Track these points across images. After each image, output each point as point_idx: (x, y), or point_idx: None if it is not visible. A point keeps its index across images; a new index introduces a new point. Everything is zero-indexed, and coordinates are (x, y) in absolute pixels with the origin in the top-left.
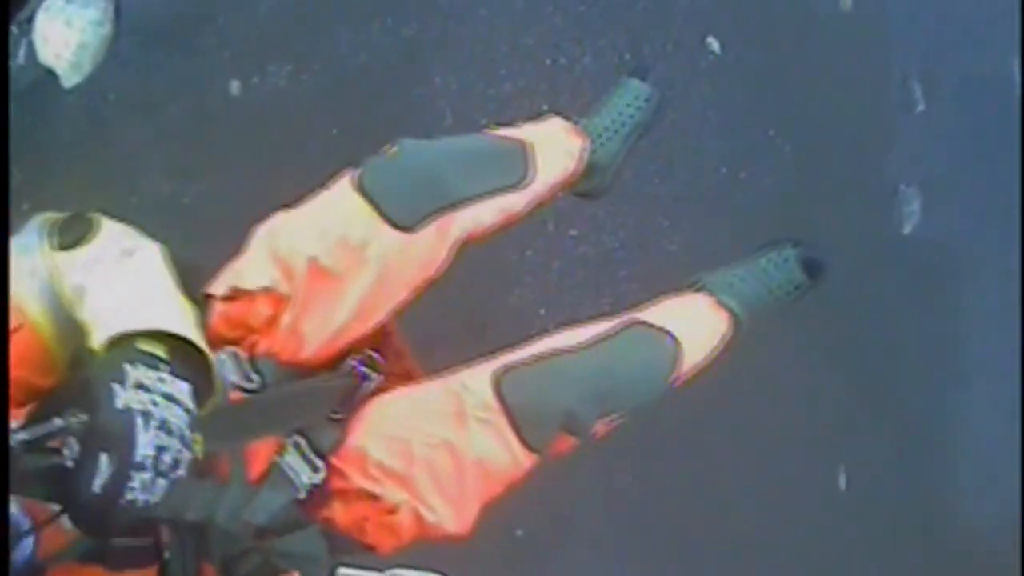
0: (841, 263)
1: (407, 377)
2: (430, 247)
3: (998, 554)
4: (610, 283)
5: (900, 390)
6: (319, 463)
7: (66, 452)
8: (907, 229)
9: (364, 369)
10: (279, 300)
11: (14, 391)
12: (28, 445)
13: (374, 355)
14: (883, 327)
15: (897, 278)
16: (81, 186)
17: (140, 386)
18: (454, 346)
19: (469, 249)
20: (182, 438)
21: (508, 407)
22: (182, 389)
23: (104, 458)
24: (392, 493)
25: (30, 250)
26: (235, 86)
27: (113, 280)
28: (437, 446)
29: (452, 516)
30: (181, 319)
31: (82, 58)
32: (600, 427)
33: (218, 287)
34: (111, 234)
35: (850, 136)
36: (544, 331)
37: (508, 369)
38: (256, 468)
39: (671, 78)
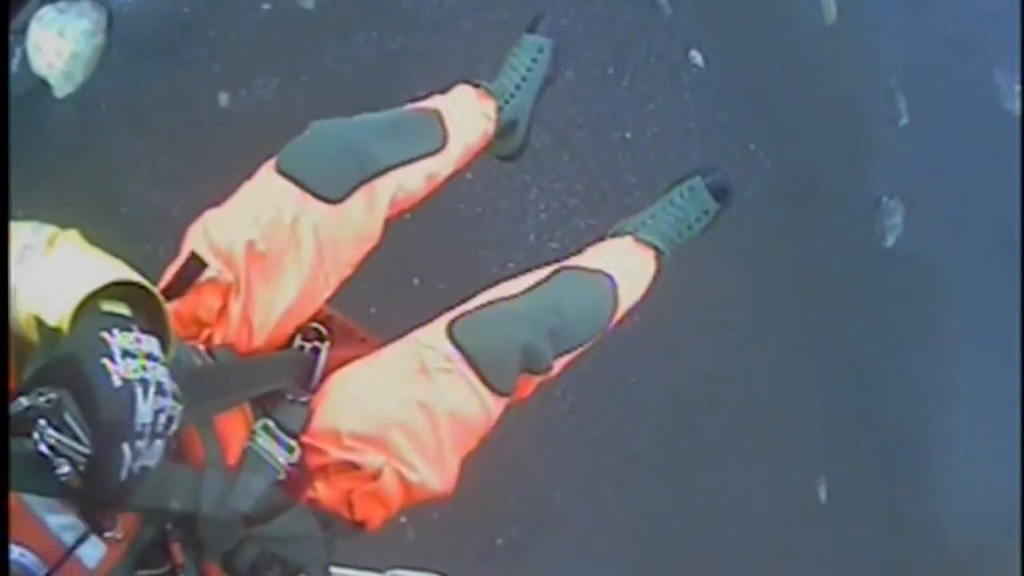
0: (823, 275)
1: (364, 346)
2: (361, 218)
3: (976, 570)
4: None
5: (881, 402)
6: (292, 443)
7: (36, 436)
8: (889, 241)
9: (314, 343)
10: (225, 290)
11: None
12: None
13: (319, 327)
14: (864, 339)
15: (879, 290)
16: (71, 194)
17: (126, 353)
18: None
19: (450, 258)
20: (173, 395)
21: (467, 354)
22: (155, 344)
23: (125, 446)
24: (371, 459)
25: None
26: (224, 98)
27: (45, 265)
28: (407, 406)
29: (434, 473)
30: (127, 271)
31: (74, 68)
32: (556, 365)
33: (164, 282)
34: (23, 231)
35: (833, 149)
36: None
37: (459, 318)
38: (231, 456)
39: (653, 90)
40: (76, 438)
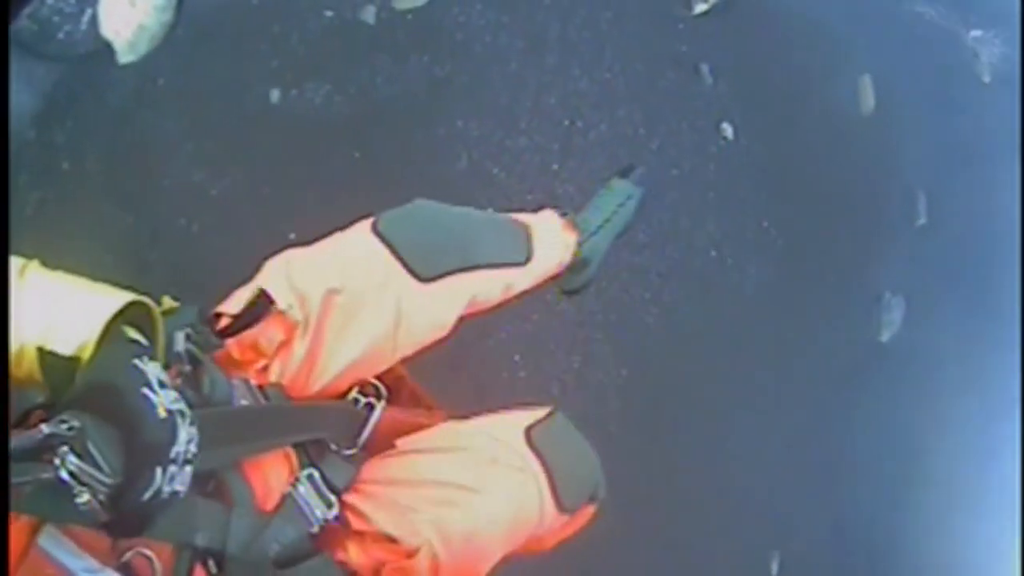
0: (810, 356)
1: (428, 416)
2: (443, 304)
3: None
4: (583, 343)
5: (851, 489)
6: (333, 499)
7: (57, 462)
8: (884, 337)
9: (369, 399)
10: (291, 326)
11: None
12: (14, 455)
13: (378, 384)
14: (842, 426)
15: (862, 382)
16: (116, 158)
17: (161, 383)
18: (435, 389)
19: None
20: (196, 423)
21: (546, 464)
22: (161, 369)
23: (159, 471)
24: (412, 537)
25: None
26: (275, 94)
27: (27, 295)
28: (466, 491)
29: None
30: (122, 292)
31: (140, 39)
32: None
33: (232, 307)
34: None
35: (845, 237)
36: (515, 377)
37: (536, 425)
38: (269, 500)
39: (680, 156)
40: (98, 467)
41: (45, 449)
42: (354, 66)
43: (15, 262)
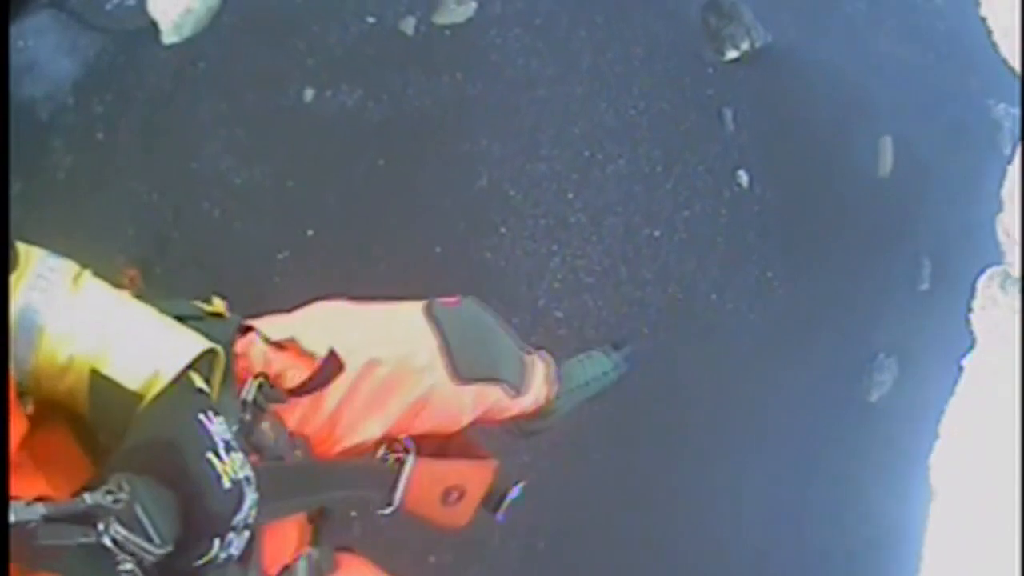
0: (800, 410)
1: (464, 452)
2: (467, 406)
3: None
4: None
5: (821, 541)
6: None
7: (100, 527)
8: (874, 397)
9: (399, 455)
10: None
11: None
12: (49, 519)
13: (404, 441)
14: (816, 475)
15: (847, 440)
16: (149, 134)
17: (228, 446)
18: None
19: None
20: (255, 483)
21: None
22: (226, 425)
23: (216, 542)
24: None
25: None
26: (309, 93)
27: (83, 306)
28: None
29: None
30: (191, 335)
31: (185, 22)
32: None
33: (271, 331)
34: (36, 255)
35: (847, 295)
36: None
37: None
38: (274, 567)
39: (693, 198)
40: (149, 538)
41: (88, 516)
42: (388, 74)
43: (68, 267)
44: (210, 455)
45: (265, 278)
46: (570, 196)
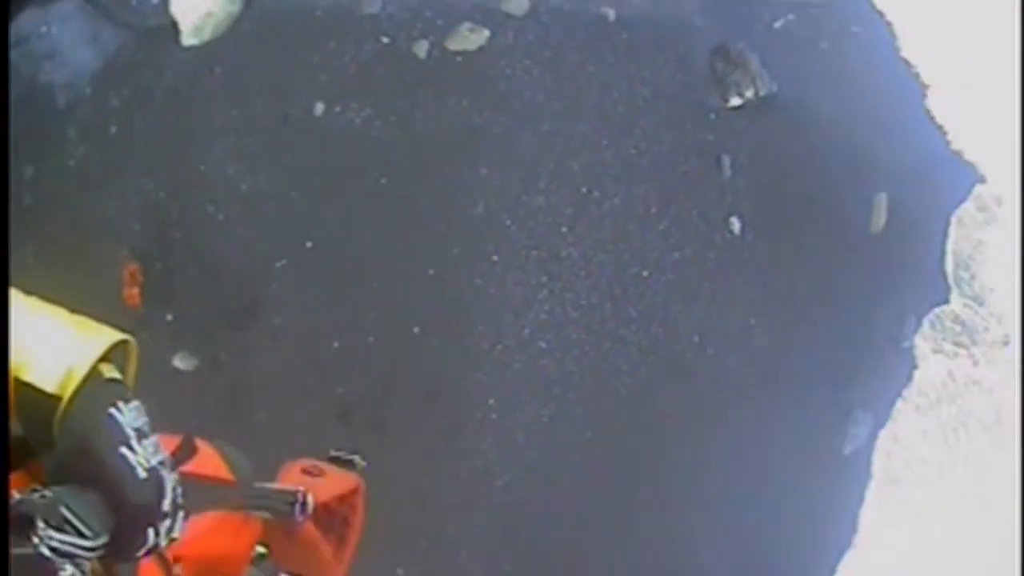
0: (770, 459)
1: None
2: None
3: None
4: (556, 399)
5: None
6: None
7: (36, 540)
8: (847, 450)
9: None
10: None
11: None
12: None
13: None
14: (784, 524)
15: (816, 488)
16: (162, 135)
17: (140, 433)
18: (409, 416)
19: (450, 321)
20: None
21: None
22: (141, 408)
23: (151, 531)
24: None
25: None
26: (319, 107)
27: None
28: None
29: None
30: (101, 326)
31: (205, 25)
32: None
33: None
34: None
35: (828, 347)
36: (487, 418)
37: None
38: None
39: (684, 241)
40: (80, 533)
41: (23, 521)
42: (398, 96)
43: None
44: (123, 449)
45: (261, 284)
46: (564, 230)
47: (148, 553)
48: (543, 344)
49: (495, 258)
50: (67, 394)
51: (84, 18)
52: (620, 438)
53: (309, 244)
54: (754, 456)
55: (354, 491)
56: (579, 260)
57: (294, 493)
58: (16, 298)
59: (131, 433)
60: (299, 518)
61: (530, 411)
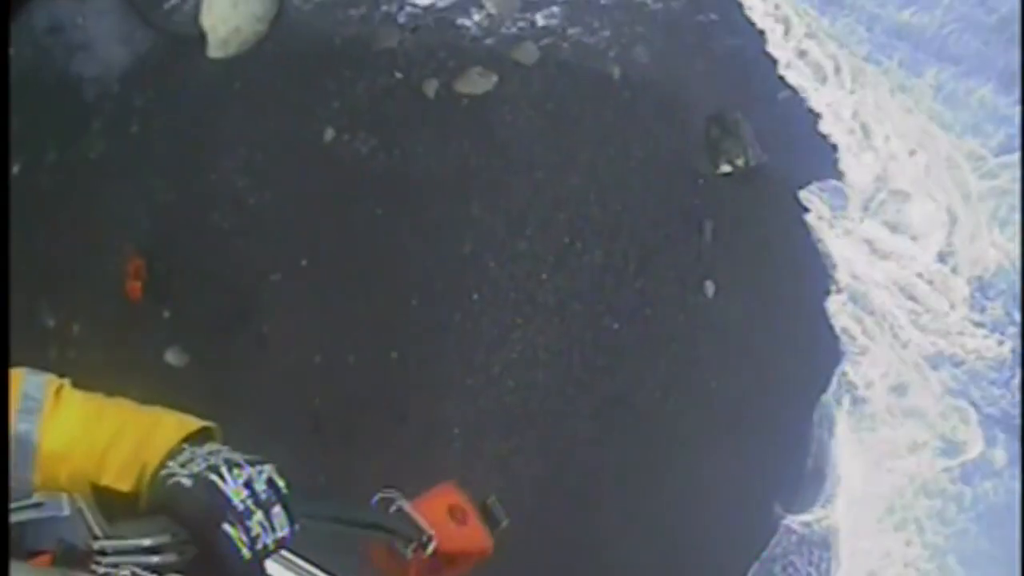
0: (720, 523)
1: None
2: None
3: None
4: (517, 434)
5: None
6: None
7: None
8: (795, 516)
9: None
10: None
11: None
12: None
13: None
14: None
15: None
16: (179, 140)
17: (249, 512)
18: (379, 434)
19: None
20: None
21: None
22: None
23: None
24: None
25: None
26: (329, 133)
27: (72, 421)
28: None
29: None
30: (181, 416)
31: (232, 40)
32: None
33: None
34: (24, 378)
35: (788, 415)
36: (450, 446)
37: None
38: None
39: (657, 299)
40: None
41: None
42: (403, 131)
43: (49, 382)
44: (225, 526)
45: (255, 294)
46: (543, 277)
47: None
48: (511, 383)
49: (475, 296)
50: (143, 487)
51: (119, 15)
52: (575, 477)
53: (304, 262)
54: (705, 515)
55: (480, 554)
56: (554, 307)
57: (426, 535)
58: (81, 399)
59: (238, 506)
60: (409, 555)
61: (491, 443)
